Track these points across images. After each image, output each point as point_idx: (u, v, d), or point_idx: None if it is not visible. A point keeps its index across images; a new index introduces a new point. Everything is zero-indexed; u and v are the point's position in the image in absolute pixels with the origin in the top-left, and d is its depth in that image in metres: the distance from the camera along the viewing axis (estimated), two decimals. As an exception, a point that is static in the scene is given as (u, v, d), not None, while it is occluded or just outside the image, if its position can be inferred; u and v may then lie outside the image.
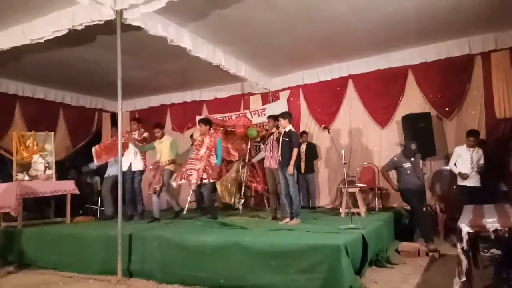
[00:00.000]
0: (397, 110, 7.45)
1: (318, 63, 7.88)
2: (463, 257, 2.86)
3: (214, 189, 7.99)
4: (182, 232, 4.87)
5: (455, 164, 5.95)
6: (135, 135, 6.73)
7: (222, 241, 4.19)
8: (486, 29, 6.44)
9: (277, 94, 8.77)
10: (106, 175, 7.29)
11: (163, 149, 6.55)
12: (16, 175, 6.77)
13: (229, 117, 8.66)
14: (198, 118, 8.99)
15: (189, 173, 6.00)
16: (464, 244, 2.87)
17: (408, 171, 5.69)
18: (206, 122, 6.31)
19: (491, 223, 2.93)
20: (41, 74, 7.65)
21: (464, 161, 5.79)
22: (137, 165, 6.64)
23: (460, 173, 5.77)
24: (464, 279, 2.83)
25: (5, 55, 5.82)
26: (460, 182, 5.83)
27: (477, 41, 6.69)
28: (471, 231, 2.88)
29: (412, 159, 5.71)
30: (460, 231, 2.93)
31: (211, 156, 6.04)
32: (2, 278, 5.02)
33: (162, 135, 6.66)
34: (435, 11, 5.62)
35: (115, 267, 4.48)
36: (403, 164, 5.71)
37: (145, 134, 6.83)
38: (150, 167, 6.74)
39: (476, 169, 5.73)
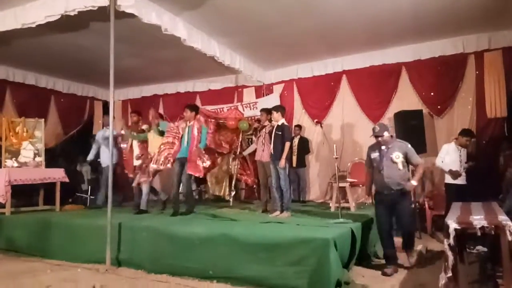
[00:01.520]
0: (389, 106, 7.48)
1: (313, 57, 7.88)
2: (449, 253, 2.90)
3: (203, 181, 8.00)
4: (172, 223, 4.88)
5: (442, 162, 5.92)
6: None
7: (212, 233, 4.20)
8: (480, 29, 6.47)
9: (271, 88, 8.76)
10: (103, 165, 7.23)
11: (156, 140, 6.37)
12: (5, 162, 6.69)
13: (221, 110, 8.63)
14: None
15: (168, 158, 5.94)
16: (451, 240, 2.91)
17: (374, 164, 4.43)
18: (193, 108, 6.10)
19: (478, 220, 2.97)
20: (32, 59, 7.53)
21: (453, 159, 5.71)
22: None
23: (451, 171, 5.60)
24: (450, 274, 2.87)
25: (-5, 39, 5.73)
26: (448, 180, 5.79)
27: (471, 41, 6.73)
28: (458, 227, 2.93)
29: (383, 147, 4.34)
30: (448, 227, 2.97)
31: (198, 143, 5.87)
32: (-11, 265, 4.99)
33: (157, 125, 6.51)
34: (431, 9, 5.63)
35: (103, 256, 4.47)
36: (371, 155, 4.48)
37: (144, 126, 6.74)
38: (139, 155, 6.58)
39: (464, 167, 5.74)
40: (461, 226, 2.93)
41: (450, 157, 5.66)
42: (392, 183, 4.22)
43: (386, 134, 4.29)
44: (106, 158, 7.02)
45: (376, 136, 4.33)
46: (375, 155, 4.39)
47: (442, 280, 2.91)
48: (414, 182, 4.29)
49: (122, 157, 7.04)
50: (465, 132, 5.73)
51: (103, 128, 7.41)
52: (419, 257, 4.66)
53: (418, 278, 4.00)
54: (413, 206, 5.09)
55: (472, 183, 5.63)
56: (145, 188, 6.27)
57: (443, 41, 6.91)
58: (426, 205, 6.13)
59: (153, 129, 6.46)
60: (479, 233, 2.89)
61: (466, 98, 6.88)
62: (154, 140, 6.37)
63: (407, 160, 4.30)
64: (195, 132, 5.85)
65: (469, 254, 3.27)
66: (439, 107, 7.10)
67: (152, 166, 6.01)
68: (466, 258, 3.24)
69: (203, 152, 5.91)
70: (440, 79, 7.05)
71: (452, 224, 2.95)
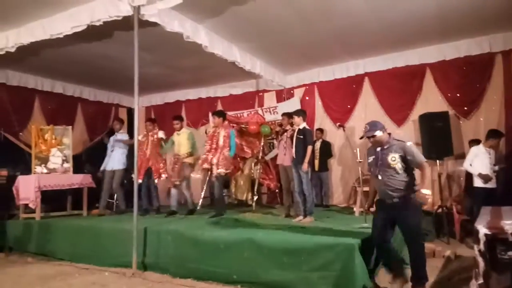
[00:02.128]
0: (414, 108, 7.34)
1: (334, 60, 7.82)
2: (480, 259, 2.81)
3: (226, 185, 8.03)
4: (196, 227, 4.92)
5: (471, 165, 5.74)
6: (151, 137, 6.79)
7: (236, 237, 4.22)
8: (507, 27, 6.28)
9: (292, 91, 8.75)
10: (109, 168, 7.14)
11: (181, 141, 6.58)
12: (35, 168, 6.91)
13: (241, 114, 8.66)
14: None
15: (202, 163, 6.23)
16: (481, 246, 2.82)
17: (371, 169, 3.77)
18: (220, 114, 6.37)
19: (509, 225, 2.87)
20: (59, 69, 7.77)
21: (483, 162, 5.52)
22: None
23: (481, 175, 5.40)
24: (481, 281, 2.79)
25: (25, 50, 5.91)
26: (478, 184, 5.59)
27: (498, 39, 6.54)
28: (489, 232, 2.83)
29: (379, 149, 3.64)
30: (477, 232, 2.88)
31: (225, 148, 6.09)
32: (21, 268, 5.15)
33: (181, 127, 6.70)
34: (456, 8, 5.51)
35: (130, 260, 4.56)
36: (368, 159, 3.80)
37: (161, 134, 6.84)
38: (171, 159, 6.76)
39: (494, 170, 5.55)
40: (491, 231, 2.84)
41: (479, 160, 5.48)
42: (391, 191, 3.54)
43: (378, 133, 3.56)
44: (114, 161, 7.12)
45: (368, 138, 3.62)
46: (371, 159, 3.73)
47: (473, 287, 2.83)
48: (425, 191, 3.61)
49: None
50: (493, 133, 5.55)
51: (115, 133, 7.44)
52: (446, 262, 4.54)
53: (446, 284, 3.90)
54: (420, 218, 3.88)
55: (502, 186, 5.45)
56: (184, 188, 6.43)
57: (468, 40, 6.74)
58: (454, 210, 5.95)
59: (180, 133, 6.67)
60: (510, 239, 2.80)
61: (493, 99, 6.69)
62: (182, 143, 6.56)
63: (408, 163, 3.53)
64: (222, 138, 6.11)
65: (500, 260, 3.17)
66: (465, 108, 6.92)
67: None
68: (497, 265, 3.13)
69: (228, 159, 6.12)
70: (466, 79, 6.88)
71: (482, 229, 2.86)
